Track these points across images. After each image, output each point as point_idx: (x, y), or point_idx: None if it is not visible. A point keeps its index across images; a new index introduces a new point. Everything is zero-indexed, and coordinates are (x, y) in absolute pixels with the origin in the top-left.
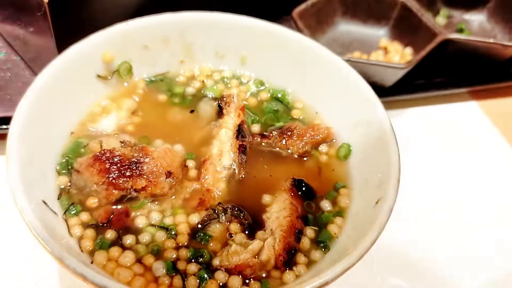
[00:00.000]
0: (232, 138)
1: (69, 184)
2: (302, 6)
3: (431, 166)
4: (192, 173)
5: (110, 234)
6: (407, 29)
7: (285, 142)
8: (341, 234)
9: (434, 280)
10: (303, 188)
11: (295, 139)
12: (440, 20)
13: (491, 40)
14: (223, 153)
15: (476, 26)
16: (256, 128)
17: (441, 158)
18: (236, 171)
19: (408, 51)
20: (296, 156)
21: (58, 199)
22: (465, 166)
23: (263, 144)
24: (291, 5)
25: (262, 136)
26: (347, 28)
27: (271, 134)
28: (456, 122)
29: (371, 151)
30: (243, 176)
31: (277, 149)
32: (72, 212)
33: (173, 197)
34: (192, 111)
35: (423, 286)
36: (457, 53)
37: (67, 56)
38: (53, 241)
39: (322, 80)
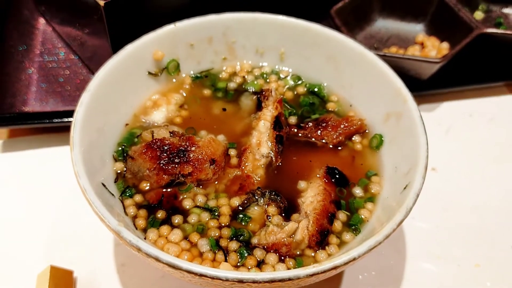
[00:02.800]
0: (270, 129)
1: (125, 169)
2: (340, 4)
3: (467, 159)
4: (234, 160)
5: (160, 214)
6: (444, 24)
7: (320, 133)
8: (371, 218)
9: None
10: (336, 175)
11: (330, 130)
12: (479, 14)
13: None
14: (261, 142)
15: None
16: (293, 120)
17: (476, 151)
18: (273, 159)
19: (445, 45)
20: (330, 146)
21: (115, 182)
22: (500, 159)
23: (300, 134)
24: (330, 3)
25: (299, 127)
26: (385, 24)
27: (307, 126)
28: (493, 115)
29: (401, 141)
30: (280, 164)
31: (313, 139)
32: (127, 194)
33: (216, 182)
34: (224, 110)
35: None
36: (494, 47)
37: (122, 55)
38: (111, 217)
39: (355, 74)
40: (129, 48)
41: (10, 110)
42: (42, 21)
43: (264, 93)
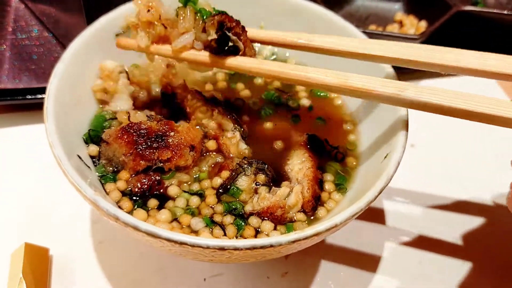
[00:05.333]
0: (209, 108)
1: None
2: None
3: (445, 135)
4: (211, 145)
5: (145, 200)
6: (422, 2)
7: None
8: (351, 188)
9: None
10: (318, 144)
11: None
12: None
13: (506, 12)
14: (220, 122)
15: (492, 0)
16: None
17: (455, 128)
18: (240, 126)
19: (423, 24)
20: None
21: (95, 166)
22: (478, 135)
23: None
24: None
25: None
26: (363, 3)
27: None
28: (471, 92)
29: (382, 113)
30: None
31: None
32: (109, 180)
33: (196, 168)
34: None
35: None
36: (471, 25)
37: (96, 26)
38: (88, 186)
39: None
40: (104, 20)
41: None
42: None
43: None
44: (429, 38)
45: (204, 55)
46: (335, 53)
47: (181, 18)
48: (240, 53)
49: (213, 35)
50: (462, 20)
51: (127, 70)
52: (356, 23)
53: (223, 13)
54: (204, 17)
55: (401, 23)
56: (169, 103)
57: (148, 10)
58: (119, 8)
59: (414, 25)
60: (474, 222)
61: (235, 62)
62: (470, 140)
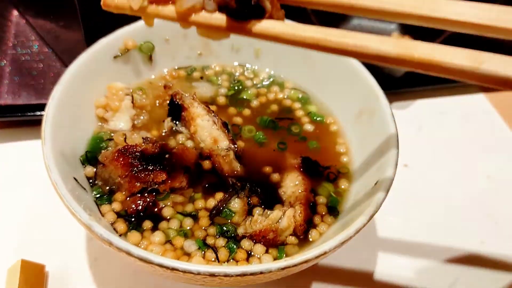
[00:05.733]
0: (211, 120)
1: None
2: None
3: (438, 156)
4: (207, 165)
5: (139, 221)
6: None
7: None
8: (343, 211)
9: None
10: (311, 166)
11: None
12: None
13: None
14: (215, 138)
15: None
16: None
17: (448, 148)
18: (236, 146)
19: None
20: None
21: (91, 186)
22: (470, 156)
23: None
24: None
25: None
26: (360, 22)
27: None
28: (464, 113)
29: (373, 137)
30: (241, 147)
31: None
32: (104, 201)
33: (190, 189)
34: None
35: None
36: (467, 47)
37: (95, 48)
38: (83, 211)
39: (330, 72)
40: (103, 42)
41: None
42: (15, 13)
43: (177, 96)
44: None
45: (218, 18)
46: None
47: None
48: (267, 15)
49: None
50: (458, 40)
51: (132, 94)
52: None
53: None
54: None
55: None
56: (174, 109)
57: None
58: (117, 31)
59: None
60: (467, 241)
61: (261, 27)
62: (462, 160)
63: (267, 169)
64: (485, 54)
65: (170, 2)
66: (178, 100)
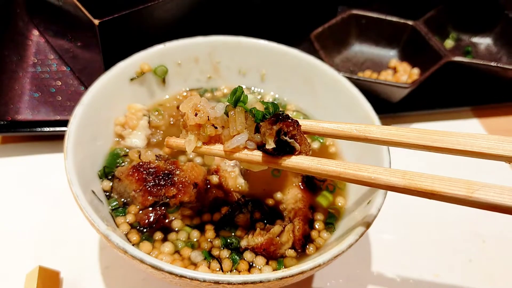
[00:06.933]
0: None
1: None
2: (320, 29)
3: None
4: (214, 180)
5: (151, 232)
6: (415, 51)
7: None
8: (338, 227)
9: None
10: (311, 184)
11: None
12: (449, 43)
13: (492, 64)
14: None
15: (483, 49)
16: None
17: (442, 170)
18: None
19: (416, 71)
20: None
21: (108, 199)
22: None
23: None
24: (310, 28)
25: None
26: (361, 48)
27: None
28: None
29: (367, 159)
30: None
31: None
32: (119, 213)
33: (198, 204)
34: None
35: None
36: (460, 74)
37: (114, 71)
38: (101, 221)
39: (329, 96)
40: (121, 65)
41: (3, 117)
42: (35, 32)
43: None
44: (420, 86)
45: (258, 155)
46: (395, 145)
47: (232, 120)
48: (296, 153)
49: (271, 144)
50: (452, 69)
51: (149, 115)
52: (352, 67)
53: (278, 116)
54: (258, 119)
55: (395, 69)
56: None
57: (196, 114)
58: (134, 55)
59: (407, 72)
60: (456, 258)
61: (291, 162)
62: None
63: (270, 186)
64: (478, 184)
65: (219, 141)
66: None
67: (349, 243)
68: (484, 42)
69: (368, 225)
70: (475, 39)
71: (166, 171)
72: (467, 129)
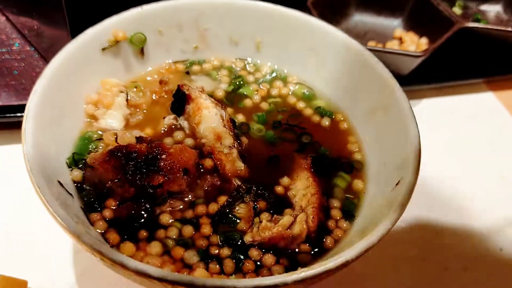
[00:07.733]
0: (219, 113)
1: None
2: None
3: (448, 156)
4: (208, 164)
5: (134, 230)
6: (422, 19)
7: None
8: (358, 215)
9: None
10: (323, 165)
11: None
12: (456, 10)
13: (509, 29)
14: (219, 134)
15: (492, 17)
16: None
17: (457, 148)
18: (240, 144)
19: (424, 41)
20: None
21: (79, 192)
22: (480, 156)
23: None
24: None
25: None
26: (361, 18)
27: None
28: (472, 112)
29: (389, 136)
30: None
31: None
32: (94, 209)
33: (190, 193)
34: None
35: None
36: (474, 43)
37: (81, 40)
38: (69, 218)
39: (339, 66)
40: (89, 32)
41: None
42: None
43: (184, 87)
44: (430, 57)
45: None
46: None
47: None
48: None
49: None
50: (465, 37)
51: (127, 92)
52: (354, 39)
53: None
54: None
55: (400, 40)
56: (178, 101)
57: None
58: (106, 20)
59: (415, 42)
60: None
61: None
62: (473, 160)
63: (275, 169)
64: None
65: None
66: (185, 91)
67: (380, 233)
68: (493, 9)
69: (401, 210)
70: (484, 7)
71: (149, 156)
72: (482, 103)
